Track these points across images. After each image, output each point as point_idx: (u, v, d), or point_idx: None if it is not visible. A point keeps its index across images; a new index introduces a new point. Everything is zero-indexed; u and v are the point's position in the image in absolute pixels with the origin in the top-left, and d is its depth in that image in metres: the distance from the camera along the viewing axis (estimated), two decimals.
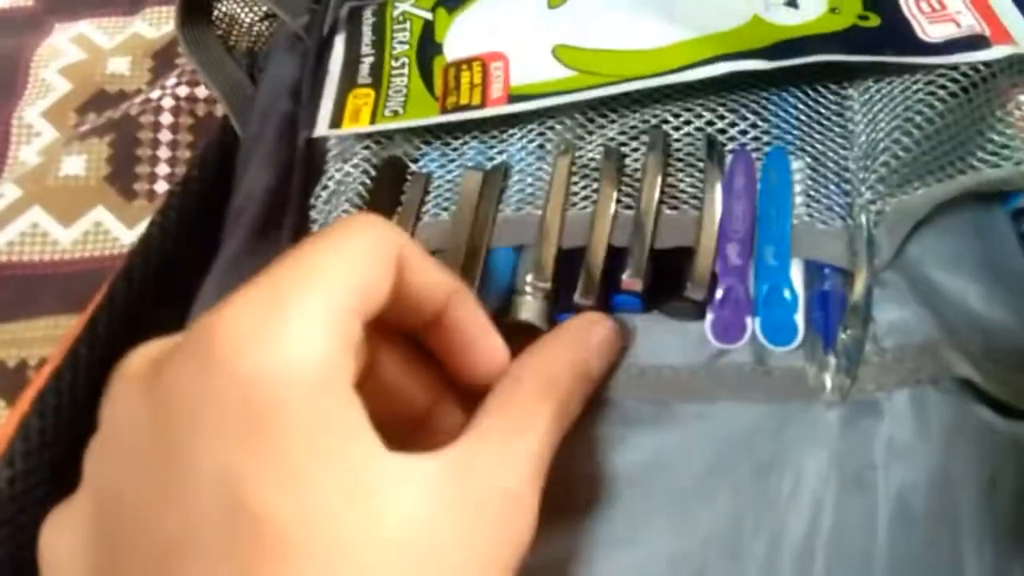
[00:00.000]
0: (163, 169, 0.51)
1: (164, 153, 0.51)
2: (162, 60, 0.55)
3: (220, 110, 0.53)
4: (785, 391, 0.27)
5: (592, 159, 0.31)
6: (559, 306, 0.28)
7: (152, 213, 0.39)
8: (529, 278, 0.28)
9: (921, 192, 0.29)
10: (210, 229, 0.36)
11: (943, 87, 0.30)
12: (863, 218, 0.28)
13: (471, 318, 0.24)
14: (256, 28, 0.47)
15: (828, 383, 0.27)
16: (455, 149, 0.33)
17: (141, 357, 0.22)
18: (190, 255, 0.36)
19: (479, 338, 0.24)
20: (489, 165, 0.32)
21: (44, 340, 0.47)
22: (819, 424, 0.27)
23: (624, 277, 0.28)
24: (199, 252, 0.35)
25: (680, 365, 0.28)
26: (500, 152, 0.32)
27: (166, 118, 0.52)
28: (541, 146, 0.32)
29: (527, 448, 0.22)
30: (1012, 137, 0.30)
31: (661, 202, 0.29)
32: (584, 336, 0.26)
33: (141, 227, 0.45)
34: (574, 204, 0.30)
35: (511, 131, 0.32)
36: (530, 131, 0.32)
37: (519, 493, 0.21)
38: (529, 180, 0.31)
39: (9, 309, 0.49)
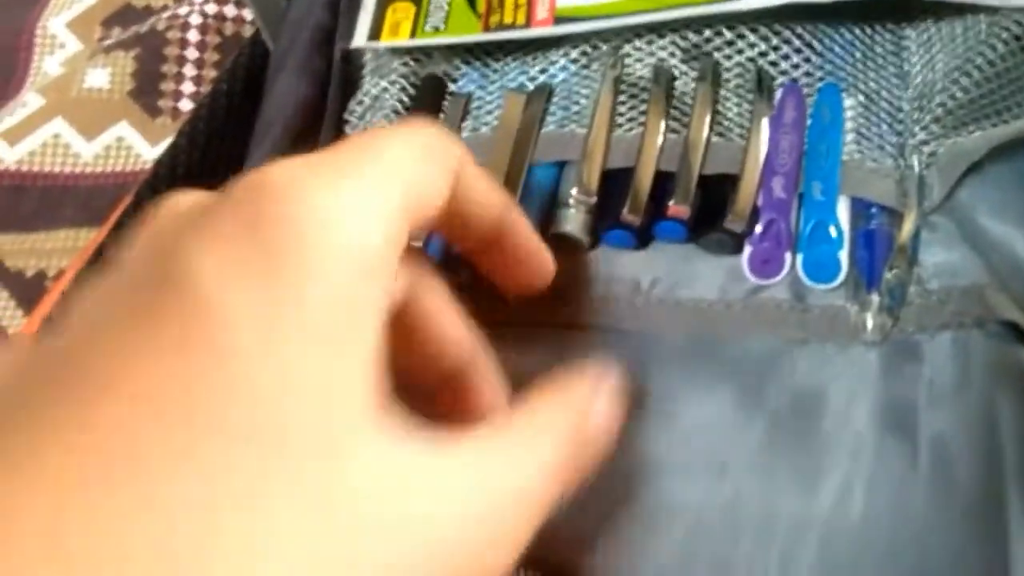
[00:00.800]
0: (188, 87, 0.50)
1: (190, 71, 0.50)
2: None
3: (248, 30, 0.52)
4: (824, 329, 0.27)
5: (640, 78, 0.30)
6: (603, 223, 0.28)
7: (176, 131, 0.38)
8: (574, 192, 0.28)
9: (977, 135, 0.28)
10: (238, 141, 0.35)
11: (1006, 29, 0.29)
12: (915, 159, 0.28)
13: (523, 237, 0.23)
14: None
15: (870, 323, 0.26)
16: (496, 70, 0.32)
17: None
18: (217, 166, 0.35)
19: (531, 256, 0.23)
20: (532, 86, 0.31)
21: (63, 252, 0.47)
22: (859, 364, 0.27)
23: (671, 204, 0.27)
24: (227, 164, 0.34)
25: (716, 299, 0.28)
26: (543, 71, 0.31)
27: (193, 35, 0.51)
28: (586, 66, 0.31)
29: (540, 458, 0.19)
30: None
31: (711, 128, 0.28)
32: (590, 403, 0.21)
33: (164, 144, 0.45)
34: (620, 125, 0.29)
35: (556, 50, 0.32)
36: (576, 48, 0.31)
37: (534, 496, 0.19)
38: (574, 98, 0.30)
39: (29, 219, 0.48)
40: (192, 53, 0.51)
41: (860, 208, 0.28)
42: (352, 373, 0.16)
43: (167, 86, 0.50)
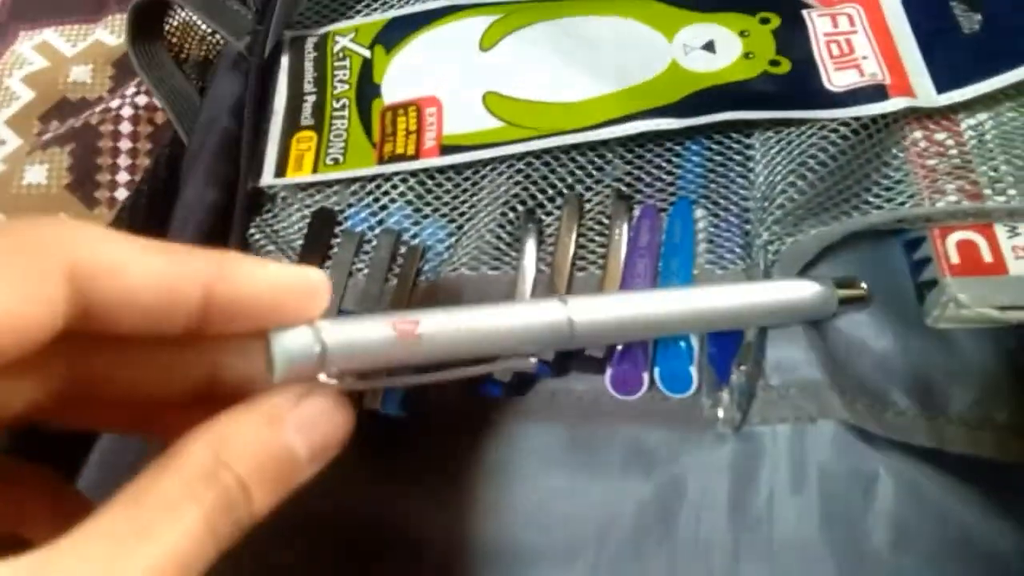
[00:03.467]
0: (123, 177, 0.53)
1: (124, 161, 0.53)
2: (123, 67, 0.56)
3: None
4: (680, 418, 0.30)
5: (515, 218, 0.33)
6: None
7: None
8: None
9: (813, 233, 0.31)
10: (161, 238, 0.38)
11: (836, 131, 0.32)
12: (760, 257, 0.31)
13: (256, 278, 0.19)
14: (208, 40, 0.48)
15: (721, 415, 0.30)
16: (384, 207, 0.35)
17: None
18: None
19: (283, 292, 0.20)
20: (413, 230, 0.34)
21: None
22: (711, 453, 0.30)
23: None
24: None
25: (585, 391, 0.31)
26: (425, 216, 0.34)
27: (125, 127, 0.53)
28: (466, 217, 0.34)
29: (149, 559, 0.16)
30: (906, 174, 0.32)
31: (573, 264, 0.31)
32: (285, 409, 0.19)
33: None
34: (495, 267, 0.32)
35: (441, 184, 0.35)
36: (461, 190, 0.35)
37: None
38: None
39: None
40: (125, 144, 0.53)
41: None
42: None
43: (103, 177, 0.53)
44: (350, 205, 0.35)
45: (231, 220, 0.35)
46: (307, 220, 0.34)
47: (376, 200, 0.34)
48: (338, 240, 0.34)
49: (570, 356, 0.30)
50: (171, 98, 0.44)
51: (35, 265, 0.16)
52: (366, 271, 0.33)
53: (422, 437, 0.31)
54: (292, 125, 0.37)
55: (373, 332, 0.21)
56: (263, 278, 0.19)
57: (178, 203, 0.38)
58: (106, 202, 0.53)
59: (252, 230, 0.35)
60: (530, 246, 0.32)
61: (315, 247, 0.33)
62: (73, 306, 0.17)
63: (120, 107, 0.54)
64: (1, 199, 0.52)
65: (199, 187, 0.37)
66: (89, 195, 0.53)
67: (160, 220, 0.39)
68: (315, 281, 0.20)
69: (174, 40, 0.46)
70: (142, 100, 0.54)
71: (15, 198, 0.51)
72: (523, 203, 0.33)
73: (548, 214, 0.33)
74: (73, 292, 0.17)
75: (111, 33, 0.57)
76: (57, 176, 0.52)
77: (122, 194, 0.53)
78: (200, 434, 0.18)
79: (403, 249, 0.33)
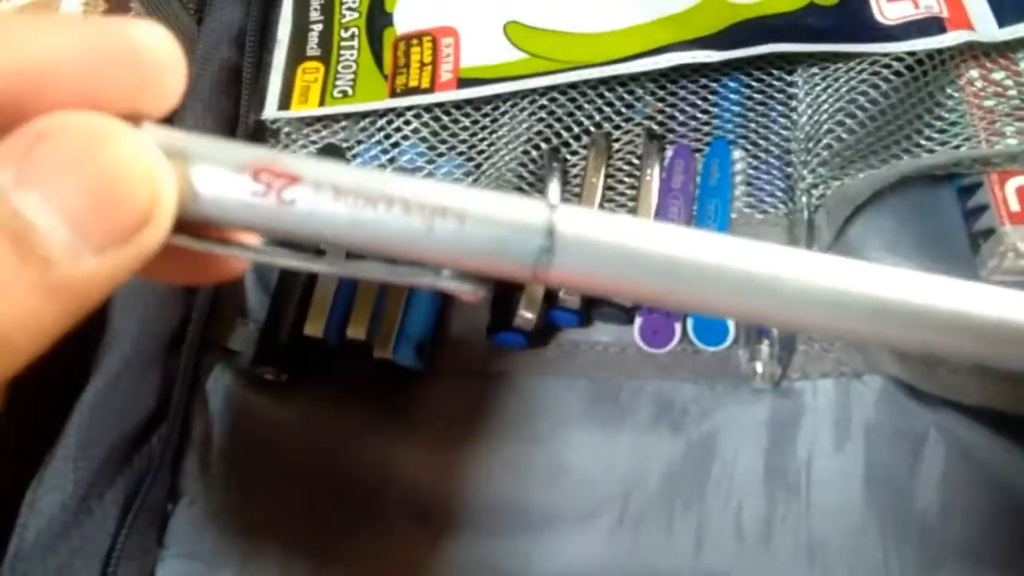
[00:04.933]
0: None
1: None
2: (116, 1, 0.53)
3: None
4: (715, 373, 0.28)
5: (538, 148, 0.31)
6: (495, 324, 0.29)
7: None
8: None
9: (862, 177, 0.29)
10: None
11: (888, 67, 0.30)
12: (804, 201, 0.29)
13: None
14: None
15: (759, 370, 0.28)
16: (396, 144, 0.32)
17: None
18: None
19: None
20: (427, 168, 0.32)
21: None
22: (747, 410, 0.28)
23: (560, 293, 0.28)
24: None
25: (610, 342, 0.29)
26: (441, 155, 0.32)
27: None
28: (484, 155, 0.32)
29: None
30: (961, 115, 0.30)
31: (600, 206, 0.29)
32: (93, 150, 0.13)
33: None
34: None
35: (458, 119, 0.32)
36: (480, 127, 0.32)
37: None
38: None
39: None
40: None
41: None
42: None
43: None
44: (359, 142, 0.32)
45: None
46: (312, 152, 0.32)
47: (387, 136, 0.32)
48: None
49: (596, 304, 0.28)
50: (167, 27, 0.41)
51: None
52: None
53: (436, 389, 0.29)
54: (297, 55, 0.34)
55: (222, 177, 0.14)
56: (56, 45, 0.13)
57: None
58: None
59: None
60: (554, 186, 0.29)
61: None
62: None
63: None
64: None
65: (196, 121, 0.34)
66: None
67: None
68: (148, 50, 0.14)
69: None
70: None
71: None
72: (547, 141, 0.31)
73: (573, 153, 0.31)
74: None
75: None
76: None
77: None
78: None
79: None
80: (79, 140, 0.13)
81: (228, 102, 0.34)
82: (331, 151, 0.32)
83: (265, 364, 0.29)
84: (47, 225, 0.12)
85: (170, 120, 0.37)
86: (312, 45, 0.34)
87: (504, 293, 0.28)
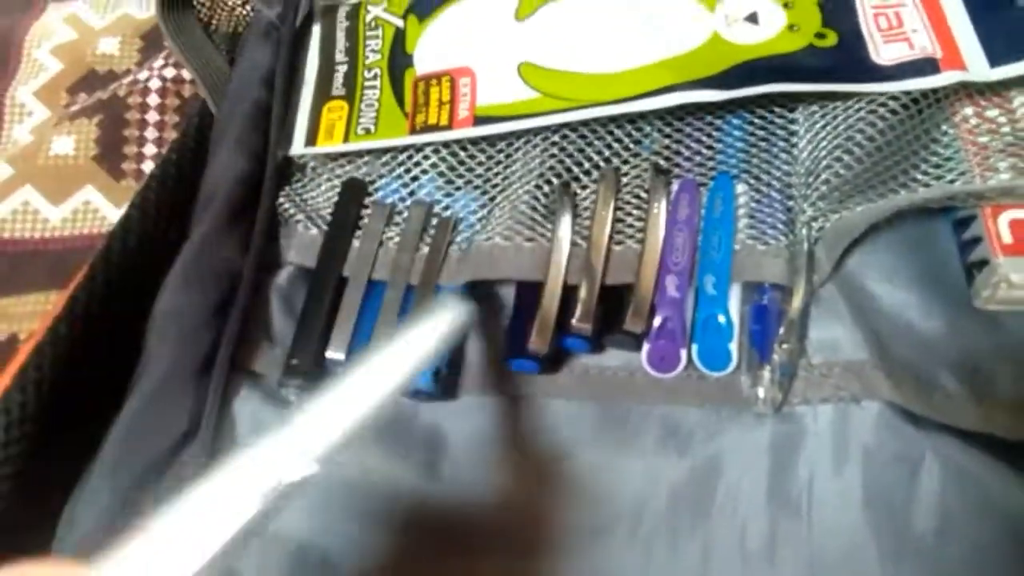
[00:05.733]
0: (150, 149, 0.53)
1: (151, 134, 0.53)
2: (151, 40, 0.55)
3: None
4: (718, 396, 0.29)
5: (548, 183, 0.32)
6: (509, 350, 0.30)
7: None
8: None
9: (860, 210, 0.30)
10: (187, 212, 0.37)
11: (885, 106, 0.31)
12: (804, 234, 0.30)
13: None
14: (238, 11, 0.48)
15: (761, 395, 0.29)
16: (415, 178, 0.34)
17: None
18: (168, 235, 0.37)
19: None
20: (444, 201, 0.33)
21: (33, 315, 0.49)
22: (750, 434, 0.29)
23: (573, 321, 0.29)
24: (177, 233, 0.36)
25: (619, 367, 0.30)
26: (457, 188, 0.33)
27: (153, 99, 0.53)
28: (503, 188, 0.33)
29: None
30: (956, 151, 0.31)
31: (610, 238, 0.31)
32: None
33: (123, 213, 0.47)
34: (530, 239, 0.31)
35: (474, 155, 0.34)
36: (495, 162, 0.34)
37: None
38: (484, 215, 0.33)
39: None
40: (153, 116, 0.53)
41: (752, 283, 0.30)
42: None
43: (130, 149, 0.52)
44: (381, 176, 0.34)
45: (260, 190, 0.34)
46: (337, 190, 0.34)
47: (408, 171, 0.34)
48: (368, 211, 0.33)
49: (606, 330, 0.30)
50: (201, 68, 0.43)
51: None
52: (397, 240, 0.32)
53: (450, 412, 0.31)
54: (323, 94, 0.36)
55: None
56: None
57: (207, 173, 0.37)
58: (132, 174, 0.52)
59: (281, 200, 0.34)
60: (565, 219, 0.31)
61: (345, 217, 0.33)
62: None
63: (148, 79, 0.53)
64: (28, 169, 0.51)
65: (228, 157, 0.36)
66: (116, 167, 0.52)
67: (189, 191, 0.38)
68: None
69: (204, 11, 0.46)
70: (170, 73, 0.53)
71: (43, 168, 0.51)
72: (558, 176, 0.33)
73: (584, 187, 0.32)
74: None
75: (139, 6, 0.56)
76: (85, 147, 0.52)
77: (149, 166, 0.52)
78: None
79: (434, 221, 0.32)
80: None
81: (258, 138, 0.36)
82: (354, 185, 0.34)
83: (289, 385, 0.30)
84: None
85: (206, 154, 0.38)
86: (337, 85, 0.36)
87: (518, 320, 0.30)
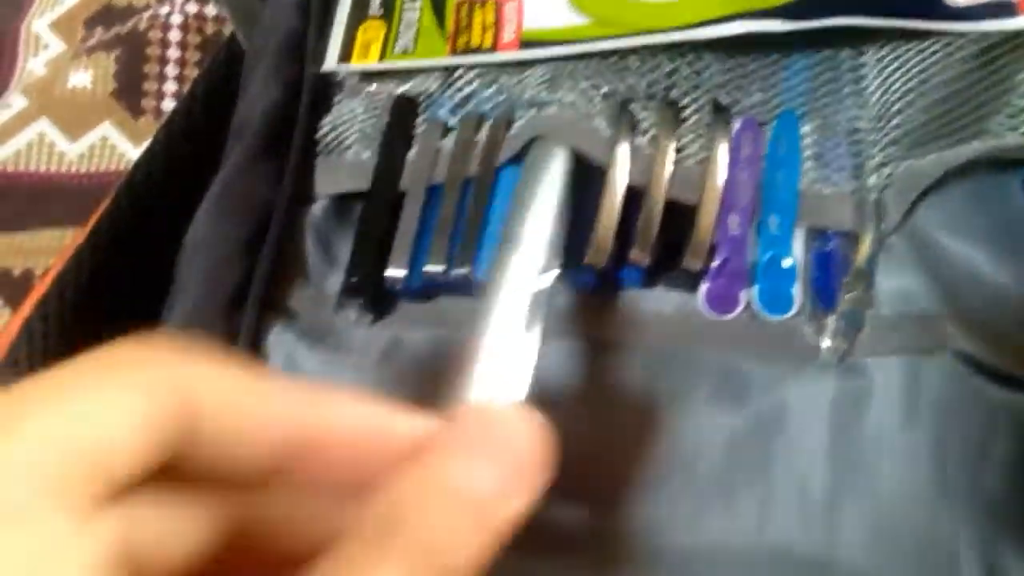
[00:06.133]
0: (171, 87, 0.51)
1: (172, 71, 0.51)
2: None
3: (229, 28, 0.52)
4: (780, 347, 0.28)
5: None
6: (568, 263, 0.28)
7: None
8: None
9: (933, 157, 0.29)
10: (214, 144, 0.36)
11: (961, 49, 0.29)
12: (873, 180, 0.28)
13: (349, 430, 0.17)
14: None
15: (824, 345, 0.27)
16: (462, 92, 0.32)
17: None
18: (193, 168, 0.36)
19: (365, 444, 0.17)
20: (494, 114, 0.32)
21: (49, 250, 0.48)
22: (812, 386, 0.27)
23: (631, 250, 0.28)
24: (203, 165, 0.35)
25: (673, 312, 0.29)
26: (507, 98, 0.32)
27: (174, 35, 0.51)
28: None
29: None
30: None
31: (672, 172, 0.29)
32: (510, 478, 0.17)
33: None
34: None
35: (522, 76, 0.32)
36: (541, 79, 0.32)
37: None
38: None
39: (14, 219, 0.49)
40: (173, 53, 0.51)
41: (816, 228, 0.28)
42: None
43: (149, 86, 0.51)
44: (429, 94, 0.33)
45: (294, 120, 0.33)
46: (378, 113, 0.32)
47: (459, 90, 0.32)
48: (420, 129, 0.32)
49: (661, 271, 0.28)
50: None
51: (156, 388, 0.15)
52: (452, 150, 0.31)
53: None
54: (360, 15, 0.35)
55: None
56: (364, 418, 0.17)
57: (239, 105, 0.36)
58: (152, 111, 0.51)
59: (322, 126, 0.33)
60: (625, 139, 0.29)
61: (397, 134, 0.31)
62: (179, 438, 0.16)
63: (169, 14, 0.51)
64: (45, 101, 0.50)
65: (261, 86, 0.35)
66: (135, 104, 0.51)
67: (218, 125, 0.37)
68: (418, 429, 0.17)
69: None
70: (192, 8, 0.52)
71: (59, 100, 0.50)
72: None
73: (639, 121, 0.30)
74: (181, 424, 0.16)
75: None
76: (103, 82, 0.50)
77: (169, 105, 0.51)
78: (413, 513, 0.16)
79: (486, 128, 0.31)
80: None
81: (292, 67, 0.34)
82: (404, 103, 0.32)
83: (348, 306, 0.30)
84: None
85: (239, 86, 0.37)
86: (375, 6, 0.35)
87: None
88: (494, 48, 0.32)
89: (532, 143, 0.29)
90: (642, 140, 0.29)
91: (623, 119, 0.29)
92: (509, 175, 0.29)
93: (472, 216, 0.29)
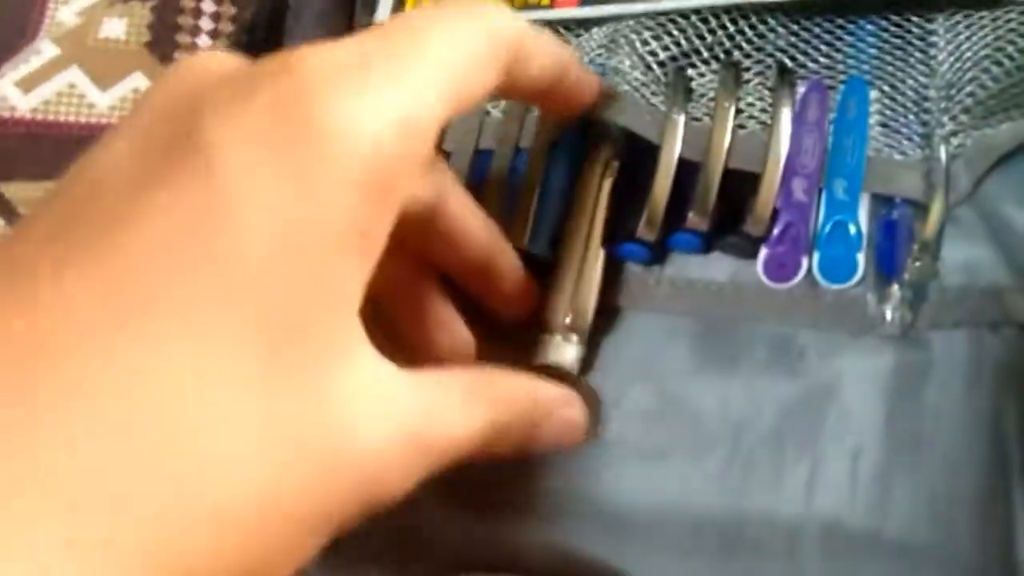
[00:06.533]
0: (204, 40, 0.50)
1: (206, 24, 0.50)
2: None
3: None
4: (837, 318, 0.27)
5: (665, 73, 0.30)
6: (617, 235, 0.28)
7: None
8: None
9: (1006, 127, 0.28)
10: None
11: None
12: (942, 149, 0.28)
13: (509, 270, 0.26)
14: None
15: (889, 316, 0.27)
16: None
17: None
18: None
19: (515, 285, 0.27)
20: None
21: None
22: (870, 356, 0.27)
23: (689, 215, 0.27)
24: None
25: (727, 281, 0.28)
26: None
27: None
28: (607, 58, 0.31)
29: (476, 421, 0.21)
30: None
31: (733, 132, 0.28)
32: (547, 411, 0.24)
33: None
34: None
35: (580, 38, 0.31)
36: (600, 42, 0.31)
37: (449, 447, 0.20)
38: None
39: (42, 168, 0.48)
40: (208, 6, 0.50)
41: (881, 196, 0.28)
42: (351, 287, 0.18)
43: (183, 38, 0.50)
44: None
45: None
46: None
47: None
48: None
49: (718, 236, 0.27)
50: None
51: (495, 49, 0.20)
52: (503, 107, 0.30)
53: None
54: None
55: None
56: None
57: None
58: None
59: None
60: (679, 105, 0.28)
61: None
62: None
63: None
64: (76, 50, 0.49)
65: (306, 37, 0.34)
66: (168, 56, 0.49)
67: None
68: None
69: None
70: None
71: (91, 49, 0.48)
72: (672, 59, 0.30)
73: (701, 76, 0.30)
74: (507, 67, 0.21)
75: None
76: (137, 32, 0.49)
77: None
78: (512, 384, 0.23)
79: None
80: None
81: (339, 16, 0.34)
82: None
83: None
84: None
85: (281, 36, 0.36)
86: None
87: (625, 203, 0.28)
88: (552, 4, 0.31)
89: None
90: (700, 107, 0.28)
91: (679, 87, 0.29)
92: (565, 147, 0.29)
93: (527, 188, 0.29)
